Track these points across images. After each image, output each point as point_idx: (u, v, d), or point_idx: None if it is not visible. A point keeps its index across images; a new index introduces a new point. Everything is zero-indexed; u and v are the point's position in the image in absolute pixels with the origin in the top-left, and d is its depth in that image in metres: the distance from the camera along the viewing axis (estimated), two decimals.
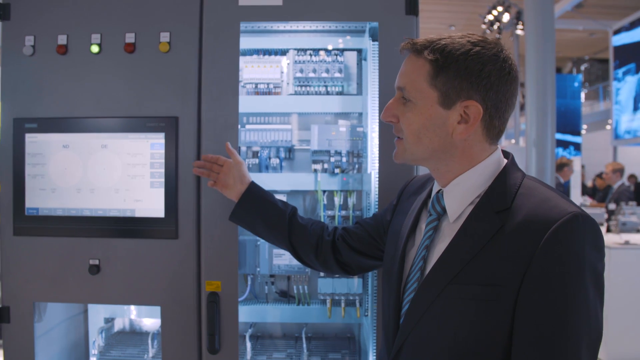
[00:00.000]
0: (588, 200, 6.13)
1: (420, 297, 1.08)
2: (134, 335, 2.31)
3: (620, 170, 6.07)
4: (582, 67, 16.89)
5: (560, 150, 10.44)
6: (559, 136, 10.34)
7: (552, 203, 1.00)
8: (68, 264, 1.70)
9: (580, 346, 0.94)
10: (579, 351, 0.94)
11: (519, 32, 12.91)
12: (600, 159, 13.83)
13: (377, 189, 1.77)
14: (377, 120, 1.77)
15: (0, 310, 1.71)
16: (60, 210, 1.70)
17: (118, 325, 2.33)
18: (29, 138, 1.71)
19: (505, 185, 1.07)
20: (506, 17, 12.71)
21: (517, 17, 12.80)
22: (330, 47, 2.17)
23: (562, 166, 5.62)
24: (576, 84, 10.97)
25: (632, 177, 9.53)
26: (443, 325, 1.04)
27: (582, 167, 10.25)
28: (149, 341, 2.08)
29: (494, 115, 1.08)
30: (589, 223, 0.98)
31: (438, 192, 1.16)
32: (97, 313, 2.18)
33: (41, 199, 1.70)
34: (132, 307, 2.27)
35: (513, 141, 14.55)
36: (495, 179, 1.09)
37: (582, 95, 14.97)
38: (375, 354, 1.85)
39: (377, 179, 1.73)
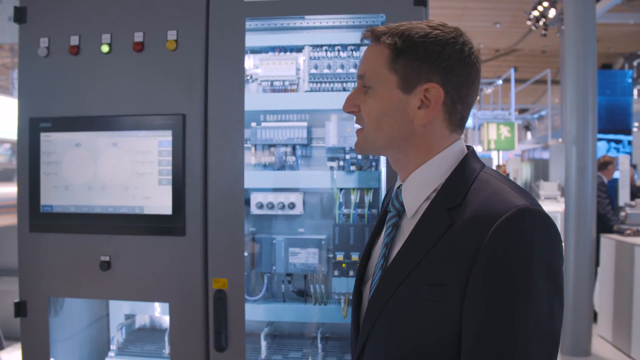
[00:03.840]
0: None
1: (375, 298, 1.05)
2: (154, 332, 2.34)
3: None
4: (635, 63, 16.13)
5: (603, 149, 10.02)
6: (608, 135, 9.91)
7: (500, 197, 0.95)
8: (80, 260, 1.73)
9: (528, 344, 0.89)
10: (528, 350, 0.89)
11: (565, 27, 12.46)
12: None
13: (385, 186, 1.73)
14: None
15: (17, 304, 1.76)
16: (73, 208, 1.74)
17: (139, 321, 2.37)
18: (44, 137, 1.75)
19: (459, 180, 1.02)
20: (552, 13, 12.31)
21: (564, 13, 12.36)
22: (345, 43, 2.14)
23: (605, 165, 5.38)
24: (628, 80, 10.48)
25: None
26: (396, 327, 1.01)
27: (634, 166, 9.76)
28: (166, 338, 2.10)
29: (455, 99, 1.04)
30: (538, 217, 0.93)
31: (398, 187, 1.11)
32: (119, 309, 2.22)
33: (55, 196, 1.75)
34: (156, 304, 2.30)
35: (560, 140, 14.05)
36: (451, 172, 1.04)
37: (635, 91, 14.30)
38: None
39: (385, 176, 1.68)
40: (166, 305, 2.26)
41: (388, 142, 1.07)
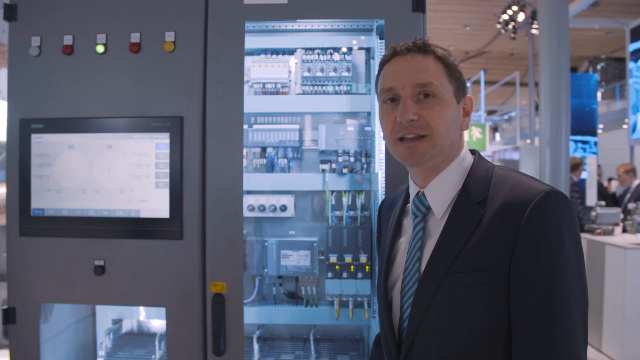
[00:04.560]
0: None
1: (421, 293, 1.12)
2: (142, 336, 2.31)
3: (632, 171, 5.97)
4: (599, 66, 16.65)
5: (571, 149, 10.31)
6: (575, 137, 10.20)
7: (524, 185, 1.07)
8: (73, 264, 1.69)
9: (572, 310, 1.01)
10: (571, 314, 1.01)
11: (534, 31, 12.78)
12: (617, 159, 13.61)
13: (384, 189, 1.74)
14: None
15: (6, 311, 1.71)
16: (65, 211, 1.70)
17: (126, 326, 2.33)
18: (35, 138, 1.71)
19: (478, 178, 1.14)
20: (521, 17, 12.59)
21: (532, 17, 12.66)
22: (338, 46, 2.15)
23: (576, 166, 5.54)
24: (594, 84, 10.80)
25: None
26: (446, 316, 1.09)
27: (599, 166, 10.08)
28: (156, 342, 2.07)
29: None
30: (561, 197, 1.04)
31: (417, 193, 1.20)
32: (105, 314, 2.18)
33: (47, 199, 1.70)
34: (141, 308, 2.27)
35: (528, 141, 14.39)
36: (468, 174, 1.16)
37: (599, 94, 14.76)
38: None
39: (384, 179, 1.69)
40: (154, 309, 2.24)
41: (449, 147, 1.16)
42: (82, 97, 1.69)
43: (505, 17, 12.73)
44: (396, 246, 1.26)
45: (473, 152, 1.24)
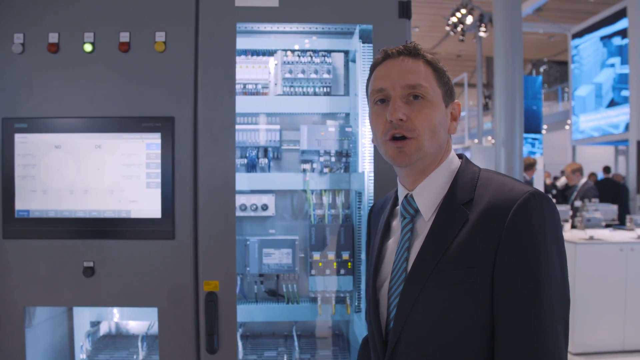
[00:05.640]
0: None
1: (407, 292, 1.14)
2: (121, 338, 2.28)
3: (579, 170, 6.32)
4: (541, 69, 17.41)
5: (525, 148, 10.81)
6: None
7: (508, 187, 1.11)
8: (61, 266, 1.67)
9: (553, 307, 1.04)
10: (553, 311, 1.04)
11: (481, 34, 13.22)
12: (560, 159, 14.30)
13: (369, 188, 1.81)
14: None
15: None
16: (52, 212, 1.67)
17: (103, 329, 2.30)
18: (19, 138, 1.67)
19: (465, 180, 1.18)
20: (469, 20, 13.01)
21: (480, 20, 13.11)
22: (317, 49, 2.20)
23: (531, 165, 5.81)
24: (538, 85, 11.32)
25: (592, 175, 9.91)
26: (431, 314, 1.11)
27: (544, 166, 10.58)
28: (139, 343, 2.06)
29: None
30: (544, 199, 1.09)
31: (406, 196, 1.23)
32: (83, 317, 2.14)
33: (32, 200, 1.67)
34: (115, 310, 2.24)
35: (476, 141, 14.88)
36: (455, 176, 1.20)
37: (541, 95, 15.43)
38: None
39: (372, 179, 1.75)
40: (133, 310, 2.22)
41: (436, 149, 1.19)
42: (69, 97, 1.66)
43: (454, 19, 13.12)
44: (384, 247, 1.29)
45: (460, 156, 1.27)
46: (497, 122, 4.96)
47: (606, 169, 9.11)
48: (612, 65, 10.34)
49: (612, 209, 5.40)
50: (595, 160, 13.65)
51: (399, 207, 1.27)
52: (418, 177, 1.22)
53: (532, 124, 10.87)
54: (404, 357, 1.15)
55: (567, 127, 13.84)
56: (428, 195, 1.20)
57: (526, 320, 1.03)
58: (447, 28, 13.48)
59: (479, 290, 1.07)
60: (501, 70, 4.88)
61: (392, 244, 1.27)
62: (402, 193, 1.26)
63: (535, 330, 1.03)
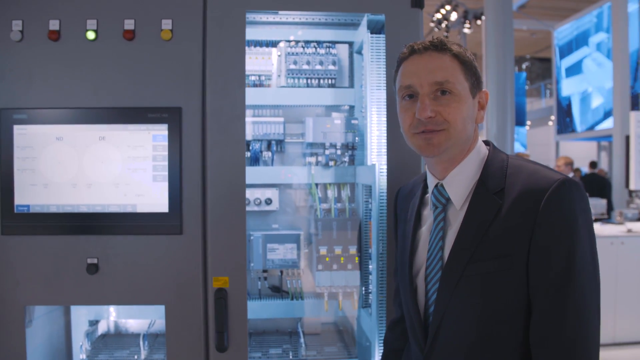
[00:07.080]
0: None
1: (446, 280, 1.18)
2: (120, 337, 2.22)
3: (570, 164, 6.38)
4: (524, 66, 17.58)
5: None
6: None
7: (540, 175, 1.13)
8: (63, 263, 1.60)
9: (585, 290, 1.08)
10: (585, 293, 1.08)
11: (466, 30, 13.29)
12: (543, 154, 14.46)
13: (380, 181, 1.77)
14: (382, 112, 1.77)
15: None
16: (54, 207, 1.60)
17: (101, 328, 2.23)
18: (18, 130, 1.59)
19: (495, 169, 1.20)
20: (454, 16, 13.07)
21: (465, 16, 13.18)
22: (321, 40, 2.15)
23: None
24: (522, 82, 11.44)
25: (576, 170, 10.02)
26: (470, 302, 1.15)
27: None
28: (140, 342, 2.00)
29: None
30: (575, 185, 1.11)
31: (436, 185, 1.25)
32: (80, 316, 2.07)
33: (32, 195, 1.60)
34: (111, 308, 2.17)
35: None
36: (485, 165, 1.22)
37: None
38: (381, 345, 1.84)
39: (383, 172, 1.72)
40: (133, 309, 2.16)
41: (464, 139, 1.21)
42: (70, 86, 1.59)
43: (438, 16, 13.17)
44: (417, 235, 1.31)
45: (487, 142, 1.29)
46: (489, 117, 4.97)
47: (592, 164, 9.22)
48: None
49: (601, 203, 5.46)
50: (579, 156, 13.84)
51: (429, 195, 1.29)
52: (447, 166, 1.23)
53: (517, 120, 11.00)
54: (445, 340, 1.19)
55: (550, 123, 14.00)
56: (458, 184, 1.22)
57: (561, 301, 1.07)
58: (432, 24, 13.52)
59: (514, 277, 1.11)
60: (493, 65, 4.89)
61: (424, 232, 1.30)
62: (431, 182, 1.28)
63: (569, 312, 1.07)
